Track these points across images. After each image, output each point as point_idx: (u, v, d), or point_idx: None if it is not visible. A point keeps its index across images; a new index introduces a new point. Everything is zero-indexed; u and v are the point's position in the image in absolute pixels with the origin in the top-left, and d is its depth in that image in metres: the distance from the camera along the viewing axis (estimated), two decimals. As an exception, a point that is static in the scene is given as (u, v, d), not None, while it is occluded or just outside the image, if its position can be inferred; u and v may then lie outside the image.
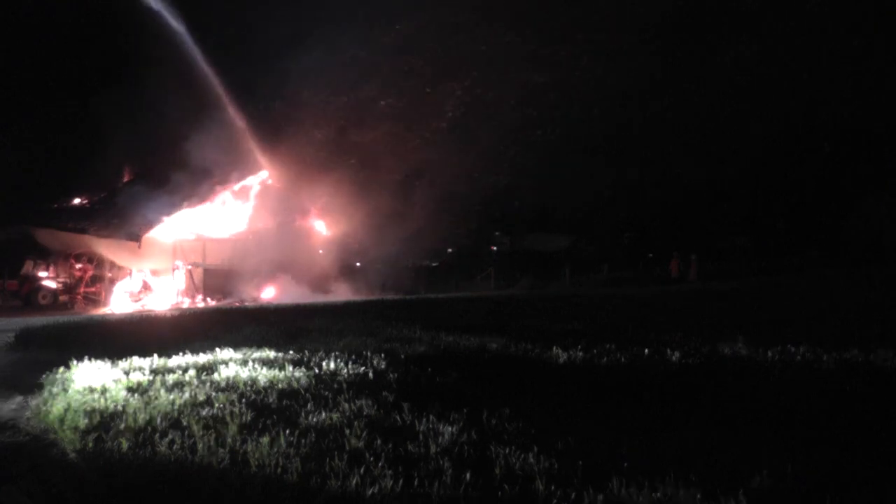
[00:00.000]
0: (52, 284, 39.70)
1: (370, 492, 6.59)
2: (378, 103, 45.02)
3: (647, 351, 13.71)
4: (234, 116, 45.36)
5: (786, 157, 47.10)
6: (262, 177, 46.25)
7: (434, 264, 52.75)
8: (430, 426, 8.51)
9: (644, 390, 10.28)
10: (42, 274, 40.09)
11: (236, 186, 45.45)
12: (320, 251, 46.15)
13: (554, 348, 14.26)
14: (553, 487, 6.50)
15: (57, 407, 10.70)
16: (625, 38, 45.12)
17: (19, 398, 12.83)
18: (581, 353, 13.67)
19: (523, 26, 45.05)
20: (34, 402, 12.15)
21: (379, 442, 8.00)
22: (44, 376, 13.37)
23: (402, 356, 14.02)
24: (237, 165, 44.45)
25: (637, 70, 44.34)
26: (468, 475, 6.82)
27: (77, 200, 50.09)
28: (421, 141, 44.93)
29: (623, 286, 42.62)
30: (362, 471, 7.00)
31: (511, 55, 45.00)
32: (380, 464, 7.21)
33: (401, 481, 6.75)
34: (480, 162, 44.73)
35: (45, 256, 41.23)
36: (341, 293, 39.63)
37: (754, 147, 46.78)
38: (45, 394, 12.17)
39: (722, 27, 46.45)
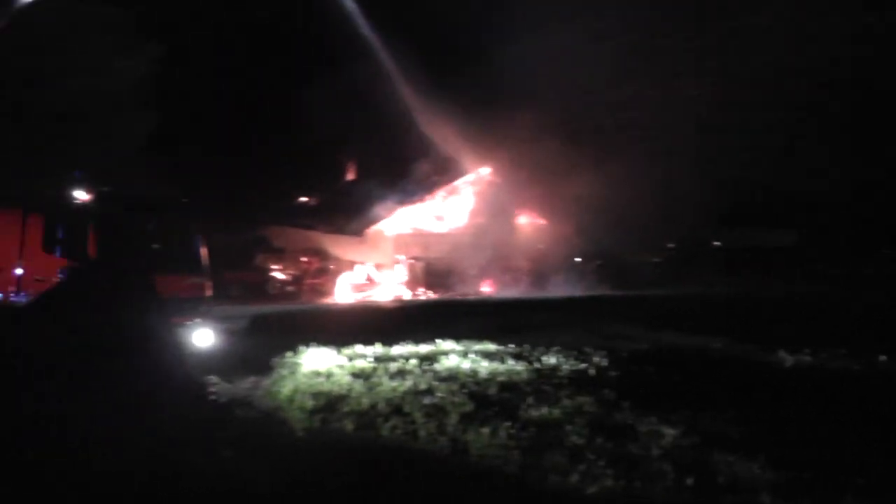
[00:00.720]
0: (280, 276, 41.93)
1: (590, 490, 6.53)
2: (607, 93, 43.91)
3: (884, 358, 12.87)
4: (457, 112, 45.90)
5: None
6: (484, 172, 46.67)
7: (655, 260, 51.61)
8: (652, 427, 8.33)
9: (880, 402, 9.66)
10: (272, 266, 42.54)
11: (457, 182, 46.13)
12: (540, 246, 46.13)
13: (779, 351, 13.66)
14: (780, 501, 6.22)
15: (286, 388, 11.28)
16: None
17: (252, 378, 13.61)
18: (808, 358, 13.03)
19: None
20: (265, 382, 12.85)
21: (599, 440, 7.89)
22: (274, 359, 14.11)
23: (624, 354, 13.81)
24: (458, 161, 45.06)
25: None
26: (690, 481, 6.62)
27: (304, 199, 52.54)
28: (648, 133, 43.57)
29: (856, 285, 40.19)
30: (582, 468, 6.94)
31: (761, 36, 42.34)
32: (600, 462, 7.12)
33: (621, 481, 6.64)
34: (707, 153, 42.80)
35: (276, 251, 43.68)
36: (561, 288, 39.39)
37: None
38: (276, 375, 12.82)
39: None
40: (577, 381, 11.07)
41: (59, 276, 13.16)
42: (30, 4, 13.72)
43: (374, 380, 11.43)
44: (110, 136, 26.40)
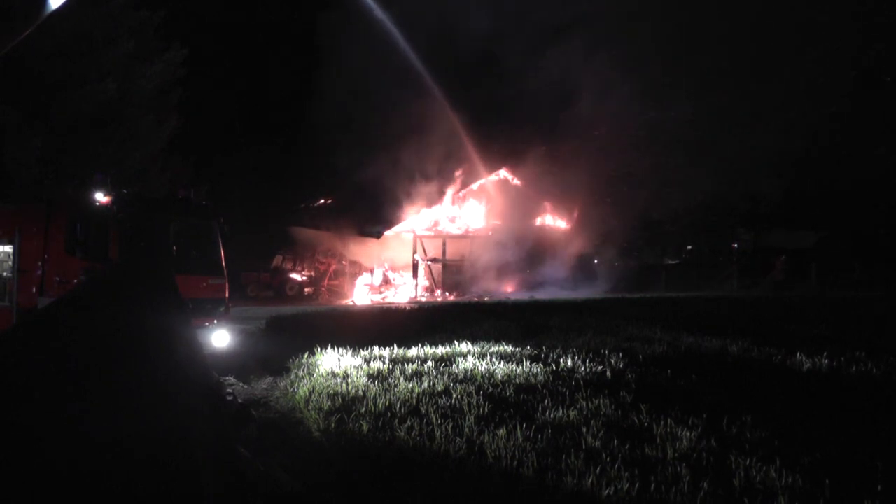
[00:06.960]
0: (298, 277, 42.12)
1: (606, 492, 6.54)
2: (628, 100, 43.58)
3: (904, 361, 12.79)
4: (476, 116, 45.92)
5: None
6: (502, 175, 46.67)
7: (674, 262, 51.49)
8: (669, 430, 8.33)
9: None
10: (290, 267, 42.79)
11: (475, 185, 46.07)
12: (558, 248, 46.13)
13: (797, 354, 13.62)
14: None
15: (303, 389, 11.43)
16: None
17: (269, 379, 13.78)
18: (826, 361, 12.98)
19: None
20: (282, 383, 13.01)
21: (615, 442, 7.91)
22: (291, 360, 14.22)
23: (641, 356, 13.77)
24: (477, 164, 45.06)
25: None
26: (706, 484, 6.63)
27: (322, 201, 52.73)
28: (667, 135, 43.25)
29: (878, 288, 39.87)
30: (598, 470, 6.95)
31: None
32: (616, 465, 7.13)
33: (637, 484, 6.66)
34: (725, 154, 42.39)
35: (294, 252, 43.91)
36: (579, 290, 39.34)
37: None
38: (293, 376, 12.97)
39: None
40: (594, 384, 11.06)
41: (81, 277, 13.27)
42: (57, 10, 13.79)
43: (391, 381, 11.51)
44: (133, 139, 26.58)
